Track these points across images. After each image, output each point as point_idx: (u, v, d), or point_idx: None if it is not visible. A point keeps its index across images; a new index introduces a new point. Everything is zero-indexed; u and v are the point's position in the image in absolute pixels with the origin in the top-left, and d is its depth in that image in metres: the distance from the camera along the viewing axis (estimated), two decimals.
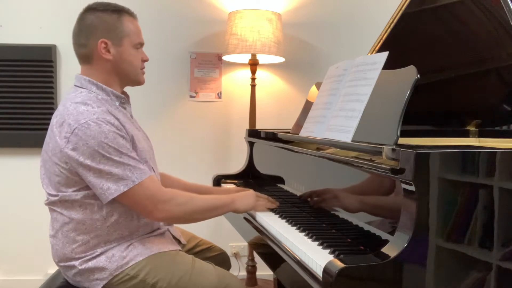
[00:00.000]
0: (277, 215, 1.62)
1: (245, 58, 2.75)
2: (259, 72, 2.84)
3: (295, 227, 1.46)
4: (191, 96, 2.92)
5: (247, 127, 2.77)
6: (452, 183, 1.06)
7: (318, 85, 1.82)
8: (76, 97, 1.43)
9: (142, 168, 1.40)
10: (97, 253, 1.43)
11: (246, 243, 2.84)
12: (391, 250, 1.04)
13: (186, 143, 2.91)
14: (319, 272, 1.09)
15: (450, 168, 1.05)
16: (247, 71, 2.83)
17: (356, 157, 1.30)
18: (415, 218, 1.03)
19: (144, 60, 1.58)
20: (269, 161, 2.10)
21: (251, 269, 2.84)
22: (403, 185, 1.07)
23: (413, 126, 1.86)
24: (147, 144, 1.59)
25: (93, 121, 1.35)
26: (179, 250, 1.56)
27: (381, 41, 1.99)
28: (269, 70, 2.96)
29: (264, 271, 2.83)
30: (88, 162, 1.34)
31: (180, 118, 2.92)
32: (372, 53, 1.99)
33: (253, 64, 2.74)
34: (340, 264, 1.00)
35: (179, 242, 1.68)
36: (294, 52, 2.93)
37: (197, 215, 1.51)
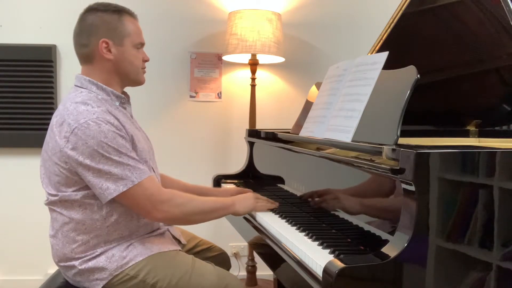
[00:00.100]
0: (277, 215, 1.62)
1: (245, 58, 2.75)
2: (259, 72, 2.84)
3: (295, 227, 1.46)
4: (191, 96, 2.92)
5: (247, 127, 2.77)
6: (452, 183, 1.06)
7: (318, 85, 1.82)
8: (76, 97, 1.43)
9: (141, 168, 1.40)
10: (97, 253, 1.43)
11: (246, 243, 2.84)
12: (391, 250, 1.04)
13: (186, 143, 2.91)
14: (319, 272, 1.09)
15: (450, 168, 1.05)
16: (247, 71, 2.83)
17: (356, 157, 1.30)
18: (415, 218, 1.03)
19: (145, 60, 1.58)
20: (269, 161, 2.10)
21: (251, 269, 2.84)
22: (403, 185, 1.07)
23: (413, 126, 1.86)
24: (147, 144, 1.59)
25: (92, 120, 1.35)
26: (179, 250, 1.56)
27: (381, 41, 1.99)
28: (269, 70, 2.96)
29: (264, 271, 2.83)
30: (87, 161, 1.34)
31: (180, 118, 2.92)
32: (372, 53, 1.99)
33: (253, 64, 2.74)
34: (340, 264, 1.00)
35: (179, 242, 1.68)
36: (294, 52, 2.93)
37: (196, 217, 1.51)
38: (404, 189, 1.07)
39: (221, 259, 1.80)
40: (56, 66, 2.79)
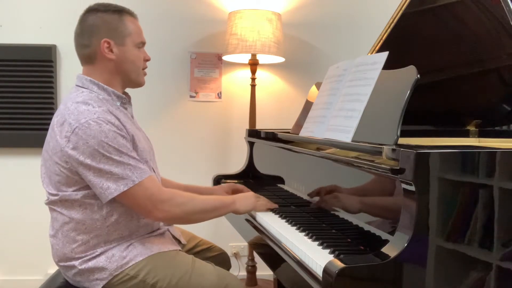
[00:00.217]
0: (277, 215, 1.62)
1: (245, 58, 2.75)
2: (259, 72, 2.84)
3: (295, 227, 1.46)
4: (191, 96, 2.92)
5: (247, 127, 2.77)
6: (452, 183, 1.06)
7: (318, 85, 1.82)
8: (77, 96, 1.43)
9: (142, 167, 1.40)
10: (97, 253, 1.43)
11: (246, 243, 2.84)
12: (391, 250, 1.04)
13: (186, 143, 2.91)
14: (319, 272, 1.09)
15: (450, 168, 1.05)
16: (247, 71, 2.83)
17: (356, 157, 1.30)
18: (415, 218, 1.03)
19: (146, 60, 1.58)
20: (269, 161, 2.10)
21: (251, 269, 2.84)
22: (403, 185, 1.07)
23: (413, 126, 1.86)
24: (148, 144, 1.60)
25: (93, 120, 1.35)
26: (179, 250, 1.56)
27: (381, 41, 1.99)
28: (269, 70, 2.96)
29: (264, 271, 2.83)
30: (88, 161, 1.34)
31: (180, 118, 2.92)
32: (372, 53, 1.99)
33: (253, 64, 2.74)
34: (340, 264, 1.00)
35: (179, 242, 1.68)
36: (294, 52, 2.93)
37: (197, 216, 1.51)
38: (404, 189, 1.07)
39: (221, 259, 1.80)
40: (56, 66, 2.79)
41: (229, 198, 1.60)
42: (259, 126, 2.78)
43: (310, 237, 1.34)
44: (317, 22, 2.95)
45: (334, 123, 1.51)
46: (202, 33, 2.90)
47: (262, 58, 2.76)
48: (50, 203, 1.46)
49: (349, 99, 1.48)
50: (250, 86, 2.78)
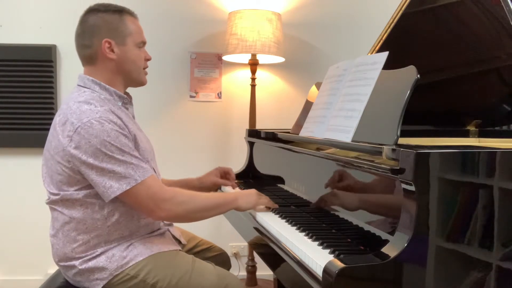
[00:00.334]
0: (277, 215, 1.62)
1: (245, 58, 2.75)
2: (259, 72, 2.84)
3: (295, 227, 1.46)
4: (191, 96, 2.92)
5: (247, 127, 2.77)
6: (452, 183, 1.06)
7: (318, 85, 1.82)
8: (79, 96, 1.44)
9: (144, 166, 1.40)
10: (97, 253, 1.43)
11: (246, 243, 2.84)
12: (391, 250, 1.04)
13: (186, 143, 2.91)
14: (319, 272, 1.09)
15: (450, 168, 1.05)
16: (247, 71, 2.84)
17: (356, 157, 1.30)
18: (415, 218, 1.03)
19: (147, 59, 1.59)
20: (269, 161, 2.10)
21: (251, 269, 2.84)
22: (403, 185, 1.07)
23: (413, 126, 1.86)
24: (149, 145, 1.60)
25: (96, 120, 1.35)
26: (179, 250, 1.57)
27: (381, 41, 1.99)
28: (269, 70, 2.96)
29: (264, 271, 2.83)
30: (90, 160, 1.34)
31: (180, 118, 2.92)
32: (372, 53, 1.99)
33: (253, 64, 2.74)
34: (340, 264, 1.00)
35: (179, 242, 1.68)
36: (294, 52, 2.93)
37: (199, 214, 1.51)
38: (404, 189, 1.07)
39: (221, 259, 1.81)
40: (56, 66, 2.79)
41: (231, 194, 1.60)
42: (259, 126, 2.78)
43: (310, 237, 1.34)
44: (317, 22, 2.95)
45: (334, 123, 1.51)
46: (202, 33, 2.90)
47: (262, 58, 2.76)
48: (51, 202, 1.46)
49: (349, 99, 1.48)
50: (250, 86, 2.78)
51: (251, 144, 2.29)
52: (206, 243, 1.83)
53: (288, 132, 1.95)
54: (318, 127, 1.62)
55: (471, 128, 1.96)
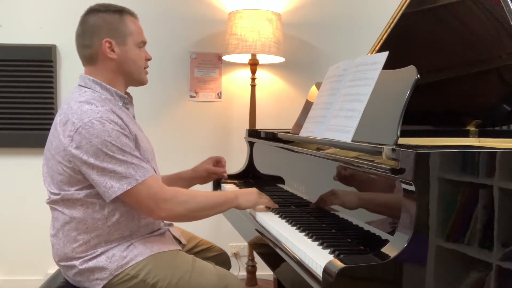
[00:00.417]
0: (277, 215, 1.62)
1: (245, 58, 2.75)
2: (259, 72, 2.84)
3: (295, 227, 1.46)
4: (191, 96, 2.92)
5: (247, 127, 2.77)
6: (452, 183, 1.06)
7: (318, 85, 1.82)
8: (80, 96, 1.44)
9: (145, 166, 1.40)
10: (97, 253, 1.43)
11: (246, 243, 2.84)
12: (391, 250, 1.04)
13: (186, 143, 2.91)
14: (319, 272, 1.09)
15: (450, 168, 1.06)
16: (247, 71, 2.84)
17: (356, 157, 1.31)
18: (415, 218, 1.03)
19: (148, 59, 1.59)
20: (269, 161, 2.10)
21: (251, 269, 2.84)
22: (403, 185, 1.07)
23: (413, 126, 1.86)
24: (149, 145, 1.60)
25: (97, 120, 1.36)
26: (179, 250, 1.57)
27: (381, 41, 1.99)
28: (269, 70, 2.96)
29: (264, 271, 2.83)
30: (91, 160, 1.35)
31: (180, 118, 2.92)
32: (372, 53, 1.99)
33: (253, 64, 2.74)
34: (340, 264, 1.00)
35: (179, 242, 1.68)
36: (294, 52, 2.93)
37: (200, 213, 1.51)
38: (404, 189, 1.07)
39: (221, 259, 1.81)
40: (56, 66, 2.79)
41: (231, 193, 1.60)
42: (259, 126, 2.78)
43: (310, 237, 1.34)
44: (317, 22, 2.95)
45: (334, 123, 1.51)
46: (202, 33, 2.90)
47: (262, 58, 2.76)
48: (51, 202, 1.46)
49: (349, 99, 1.48)
50: (250, 86, 2.78)
51: (251, 144, 2.29)
52: (206, 243, 1.83)
53: (288, 132, 1.95)
54: (318, 127, 1.62)
55: (471, 128, 1.96)
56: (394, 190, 1.13)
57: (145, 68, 1.58)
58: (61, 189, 1.42)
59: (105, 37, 1.47)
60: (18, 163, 2.82)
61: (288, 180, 1.83)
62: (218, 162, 1.98)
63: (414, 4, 1.92)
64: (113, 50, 1.49)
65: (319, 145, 1.63)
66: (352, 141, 1.36)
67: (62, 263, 1.47)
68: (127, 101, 1.56)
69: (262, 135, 2.18)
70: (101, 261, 1.42)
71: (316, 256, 1.17)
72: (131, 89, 1.62)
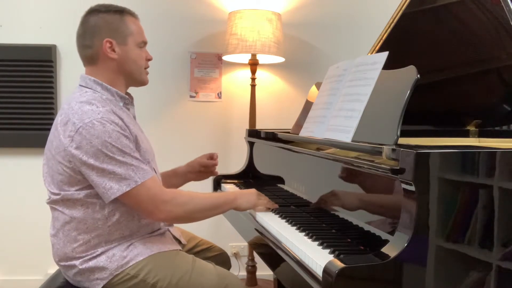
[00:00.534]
0: (277, 215, 1.62)
1: (245, 58, 2.75)
2: (259, 72, 2.84)
3: (295, 227, 1.46)
4: (191, 96, 2.92)
5: (247, 127, 2.77)
6: (452, 183, 1.06)
7: (318, 85, 1.82)
8: (81, 96, 1.44)
9: (144, 168, 1.40)
10: (97, 253, 1.43)
11: (246, 243, 2.84)
12: (391, 250, 1.04)
13: (186, 143, 2.91)
14: (319, 272, 1.09)
15: (450, 168, 1.06)
16: (247, 71, 2.84)
17: (356, 157, 1.31)
18: (415, 218, 1.03)
19: (148, 59, 1.59)
20: (269, 161, 2.10)
21: (251, 269, 2.84)
22: (403, 185, 1.07)
23: (413, 126, 1.86)
24: (149, 145, 1.60)
25: (97, 120, 1.36)
26: (180, 250, 1.57)
27: (381, 41, 1.99)
28: (269, 70, 2.96)
29: (264, 271, 2.83)
30: (91, 161, 1.35)
31: (180, 118, 2.92)
32: (372, 53, 1.99)
33: (253, 64, 2.74)
34: (340, 264, 1.00)
35: (179, 242, 1.68)
36: (294, 52, 2.93)
37: (199, 214, 1.51)
38: (404, 189, 1.07)
39: (221, 259, 1.80)
40: (56, 66, 2.79)
41: (230, 194, 1.60)
42: (259, 126, 2.78)
43: (310, 237, 1.34)
44: (317, 22, 2.95)
45: (334, 123, 1.51)
46: (202, 33, 2.90)
47: (262, 58, 2.76)
48: (51, 202, 1.46)
49: (349, 99, 1.48)
50: (250, 86, 2.78)
51: (251, 144, 2.29)
52: (206, 243, 1.83)
53: (288, 132, 1.95)
54: (318, 127, 1.62)
55: (471, 128, 1.96)
56: (394, 190, 1.13)
57: (145, 68, 1.58)
58: (61, 189, 1.42)
59: (106, 37, 1.48)
60: (18, 163, 2.82)
61: (288, 180, 1.83)
62: (210, 157, 1.97)
63: (414, 4, 1.92)
64: (113, 50, 1.49)
65: (319, 145, 1.63)
66: (352, 141, 1.36)
67: (62, 263, 1.47)
68: (128, 101, 1.56)
69: (262, 135, 2.18)
70: (101, 261, 1.42)
71: (316, 256, 1.17)
72: (131, 89, 1.62)
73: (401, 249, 1.02)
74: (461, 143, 1.77)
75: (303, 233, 1.39)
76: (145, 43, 1.57)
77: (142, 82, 1.59)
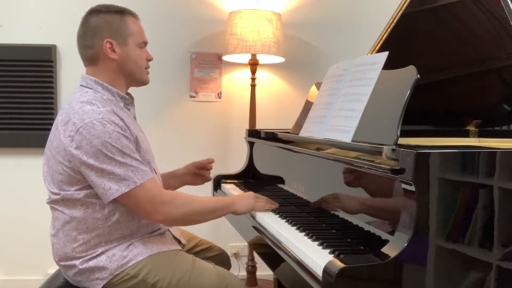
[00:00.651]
0: (277, 215, 1.62)
1: (245, 58, 2.75)
2: (259, 72, 2.84)
3: (295, 227, 1.46)
4: (191, 96, 2.92)
5: (247, 127, 2.77)
6: (452, 183, 1.06)
7: (318, 85, 1.82)
8: (82, 96, 1.44)
9: (144, 169, 1.40)
10: (97, 253, 1.43)
11: (246, 243, 2.84)
12: (391, 250, 1.04)
13: (186, 143, 2.91)
14: (319, 272, 1.09)
15: (450, 168, 1.06)
16: (247, 71, 2.84)
17: (356, 157, 1.31)
18: (415, 218, 1.03)
19: (149, 59, 1.59)
20: (269, 161, 2.10)
21: (251, 269, 2.84)
22: (403, 185, 1.07)
23: (413, 126, 1.86)
24: (149, 146, 1.60)
25: (98, 120, 1.36)
26: (179, 250, 1.57)
27: (381, 41, 1.99)
28: (269, 70, 2.96)
29: (264, 271, 2.83)
30: (91, 161, 1.35)
31: (180, 118, 2.92)
32: (372, 53, 1.99)
33: (253, 64, 2.74)
34: (340, 264, 1.00)
35: (179, 242, 1.68)
36: (294, 52, 2.93)
37: (197, 217, 1.51)
38: (404, 189, 1.07)
39: (221, 259, 1.80)
40: (56, 66, 2.79)
41: (228, 199, 1.60)
42: (259, 126, 2.78)
43: (310, 237, 1.34)
44: (317, 22, 2.95)
45: (334, 123, 1.51)
46: (202, 33, 2.90)
47: (262, 58, 2.76)
48: (51, 202, 1.46)
49: (349, 99, 1.48)
50: (250, 86, 2.78)
51: (251, 144, 2.29)
52: (206, 243, 1.83)
53: (288, 132, 1.95)
54: (318, 127, 1.62)
55: (471, 128, 1.96)
56: (394, 190, 1.13)
57: (146, 68, 1.58)
58: (61, 189, 1.42)
59: (106, 37, 1.48)
60: (18, 163, 2.82)
61: (288, 180, 1.83)
62: (207, 160, 1.97)
63: (414, 4, 1.92)
64: (114, 51, 1.49)
65: (319, 145, 1.63)
66: (352, 141, 1.36)
67: (62, 263, 1.47)
68: (129, 101, 1.56)
69: (262, 135, 2.18)
70: (101, 260, 1.42)
71: (316, 256, 1.17)
72: (131, 90, 1.62)
73: (401, 249, 1.02)
74: (461, 143, 1.77)
75: (303, 233, 1.39)
76: (145, 43, 1.57)
77: (143, 82, 1.59)
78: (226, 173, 2.31)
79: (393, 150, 1.11)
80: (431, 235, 1.04)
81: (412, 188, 1.04)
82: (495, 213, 1.07)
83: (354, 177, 1.33)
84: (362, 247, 1.24)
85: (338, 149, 1.48)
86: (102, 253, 1.43)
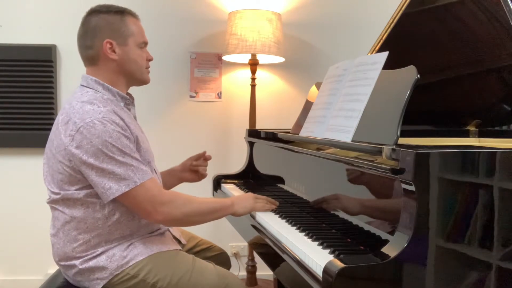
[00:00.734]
0: (277, 215, 1.62)
1: (245, 58, 2.75)
2: (259, 72, 2.84)
3: (295, 227, 1.46)
4: (191, 96, 2.92)
5: (247, 127, 2.77)
6: (452, 183, 1.06)
7: (318, 85, 1.82)
8: (82, 96, 1.44)
9: (144, 169, 1.41)
10: (97, 253, 1.43)
11: (246, 243, 2.84)
12: (391, 250, 1.04)
13: (186, 143, 2.91)
14: (319, 272, 1.09)
15: (450, 168, 1.06)
16: (247, 71, 2.84)
17: (356, 157, 1.31)
18: (415, 218, 1.03)
19: (149, 59, 1.60)
20: (269, 161, 2.10)
21: (251, 269, 2.84)
22: (403, 185, 1.07)
23: (413, 126, 1.86)
24: (149, 146, 1.60)
25: (98, 120, 1.36)
26: (179, 249, 1.57)
27: (381, 41, 1.99)
28: (269, 70, 2.96)
29: (264, 271, 2.83)
30: (91, 160, 1.35)
31: (180, 118, 2.92)
32: (372, 53, 1.99)
33: (253, 64, 2.74)
34: (340, 264, 1.00)
35: (179, 242, 1.68)
36: (294, 52, 2.93)
37: (196, 218, 1.51)
38: (404, 189, 1.07)
39: (221, 259, 1.81)
40: (56, 66, 2.79)
41: (228, 200, 1.60)
42: (259, 126, 2.78)
43: (310, 237, 1.34)
44: (317, 22, 2.95)
45: (334, 123, 1.51)
46: (202, 33, 2.90)
47: (262, 58, 2.76)
48: (52, 201, 1.46)
49: (349, 99, 1.48)
50: (250, 86, 2.78)
51: (251, 144, 2.29)
52: (206, 242, 1.83)
53: (288, 132, 1.95)
54: (318, 127, 1.62)
55: (471, 128, 1.96)
56: (394, 190, 1.13)
57: (146, 68, 1.58)
58: (61, 188, 1.42)
59: (106, 37, 1.48)
60: (18, 163, 2.82)
61: (288, 180, 1.83)
62: (198, 158, 1.98)
63: (414, 4, 1.92)
64: (114, 51, 1.49)
65: (319, 145, 1.63)
66: (352, 141, 1.36)
67: (62, 263, 1.47)
68: (129, 101, 1.56)
69: (262, 135, 2.18)
70: (101, 260, 1.42)
71: (316, 256, 1.17)
72: (131, 89, 1.62)
73: (401, 249, 1.02)
74: (461, 143, 1.77)
75: (303, 233, 1.39)
76: (145, 43, 1.58)
77: (143, 81, 1.59)
78: (226, 173, 2.31)
79: (393, 150, 1.11)
80: (431, 235, 1.04)
81: (412, 188, 1.04)
82: (495, 213, 1.07)
83: (354, 177, 1.33)
84: (362, 247, 1.24)
85: (338, 149, 1.48)
86: (102, 253, 1.43)
